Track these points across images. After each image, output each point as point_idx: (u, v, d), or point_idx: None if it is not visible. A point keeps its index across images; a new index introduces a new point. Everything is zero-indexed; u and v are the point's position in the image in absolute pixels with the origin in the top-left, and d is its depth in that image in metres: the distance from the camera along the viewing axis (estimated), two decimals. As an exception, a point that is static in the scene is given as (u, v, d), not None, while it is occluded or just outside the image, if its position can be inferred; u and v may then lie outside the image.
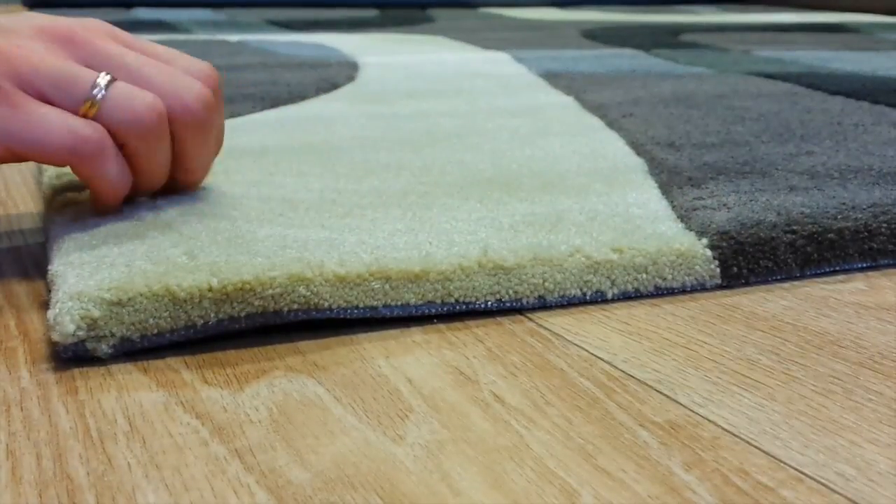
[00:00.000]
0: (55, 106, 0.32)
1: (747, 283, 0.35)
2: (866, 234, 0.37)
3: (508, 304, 0.32)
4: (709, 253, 0.34)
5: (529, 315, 0.32)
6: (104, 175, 0.33)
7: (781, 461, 0.22)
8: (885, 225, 0.37)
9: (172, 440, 0.23)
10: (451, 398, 0.26)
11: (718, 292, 0.34)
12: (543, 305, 0.32)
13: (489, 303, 0.31)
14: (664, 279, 0.33)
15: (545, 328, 0.31)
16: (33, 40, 0.34)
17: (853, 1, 1.82)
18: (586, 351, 0.29)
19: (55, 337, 0.27)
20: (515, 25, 1.44)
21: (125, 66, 0.34)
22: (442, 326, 0.31)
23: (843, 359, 0.28)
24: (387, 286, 0.30)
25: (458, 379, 0.27)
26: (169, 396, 0.26)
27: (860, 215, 0.37)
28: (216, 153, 0.38)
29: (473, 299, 0.31)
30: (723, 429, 0.24)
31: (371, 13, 1.68)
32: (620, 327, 0.31)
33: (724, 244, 0.35)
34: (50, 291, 0.30)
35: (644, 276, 0.33)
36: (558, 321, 0.31)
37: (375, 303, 0.30)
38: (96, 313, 0.27)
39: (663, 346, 0.29)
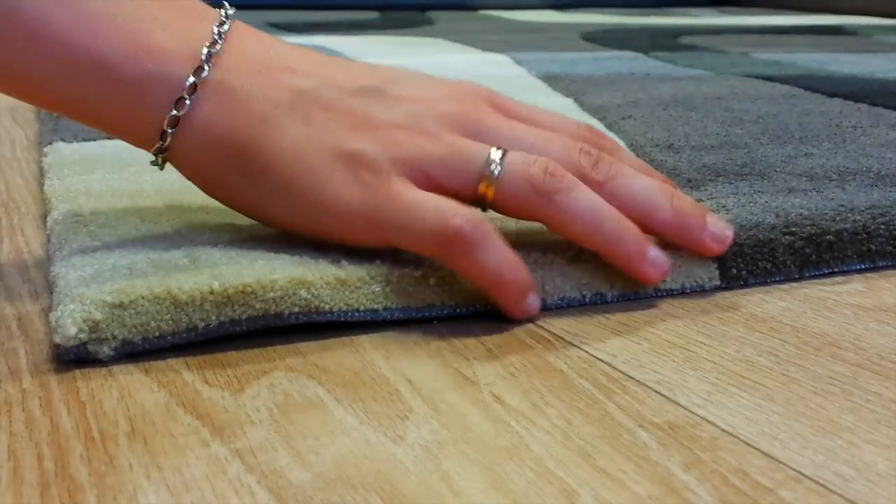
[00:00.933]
0: (448, 188, 0.30)
1: (746, 285, 0.35)
2: (865, 235, 0.37)
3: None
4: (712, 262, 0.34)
5: (528, 316, 0.32)
6: (481, 267, 0.30)
7: (780, 462, 0.22)
8: (883, 227, 0.37)
9: (173, 441, 0.23)
10: (451, 399, 0.26)
11: (717, 294, 0.34)
12: (544, 307, 0.32)
13: (490, 306, 0.31)
14: (663, 281, 0.34)
15: (545, 329, 0.31)
16: (421, 117, 0.31)
17: (851, 3, 1.82)
18: (586, 352, 0.29)
19: (57, 339, 0.27)
20: (515, 28, 1.44)
21: (516, 140, 0.32)
22: (442, 328, 0.31)
23: (842, 360, 0.28)
24: (388, 289, 0.30)
25: (458, 380, 0.27)
26: (170, 397, 0.26)
27: (858, 217, 0.37)
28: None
29: (474, 302, 0.31)
30: (722, 429, 0.24)
31: (371, 15, 1.68)
32: (620, 328, 0.31)
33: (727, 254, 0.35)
34: (52, 293, 0.30)
35: None
36: (558, 322, 0.31)
37: (376, 306, 0.30)
38: (98, 316, 0.27)
39: (662, 348, 0.29)
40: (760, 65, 0.90)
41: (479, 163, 0.31)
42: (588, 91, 0.71)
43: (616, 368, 0.28)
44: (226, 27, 0.31)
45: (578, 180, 0.31)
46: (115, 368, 0.27)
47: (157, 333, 0.28)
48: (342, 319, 0.30)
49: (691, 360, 0.28)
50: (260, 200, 0.31)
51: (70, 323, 0.27)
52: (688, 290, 0.34)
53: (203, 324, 0.28)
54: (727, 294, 0.34)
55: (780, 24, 1.53)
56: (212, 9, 0.32)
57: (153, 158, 0.32)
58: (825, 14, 1.81)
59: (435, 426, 0.24)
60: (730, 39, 1.20)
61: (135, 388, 0.26)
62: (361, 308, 0.30)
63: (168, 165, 0.32)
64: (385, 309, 0.30)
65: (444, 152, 0.31)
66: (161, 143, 0.31)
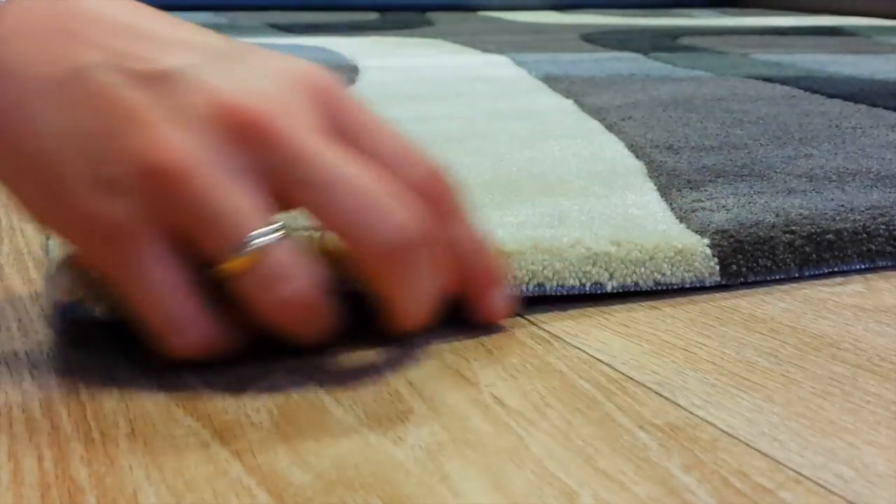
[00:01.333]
0: (198, 249, 0.25)
1: (746, 283, 0.35)
2: (864, 235, 0.37)
3: (508, 290, 0.32)
4: (708, 251, 0.34)
5: (529, 318, 0.32)
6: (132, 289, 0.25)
7: (780, 463, 0.22)
8: (882, 227, 0.37)
9: (174, 442, 0.23)
10: (451, 400, 0.26)
11: (717, 294, 0.34)
12: (543, 294, 0.32)
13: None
14: (663, 274, 0.33)
15: (545, 330, 0.31)
16: (207, 135, 0.25)
17: (851, 4, 1.82)
18: (586, 353, 0.29)
19: (54, 295, 0.27)
20: (515, 29, 1.44)
21: (314, 186, 0.25)
22: (442, 328, 0.31)
23: (842, 361, 0.28)
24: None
25: (458, 381, 0.27)
26: (170, 398, 0.26)
27: (858, 217, 0.37)
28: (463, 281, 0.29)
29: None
30: (722, 430, 0.24)
31: (371, 17, 1.68)
32: (620, 329, 0.31)
33: (724, 242, 0.35)
34: (48, 256, 0.30)
35: (642, 269, 0.33)
36: (558, 323, 0.31)
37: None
38: (93, 275, 0.27)
39: (662, 349, 0.29)
40: (760, 66, 0.90)
41: (238, 239, 0.24)
42: (588, 92, 0.71)
43: (616, 369, 0.28)
44: None
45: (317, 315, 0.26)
46: (115, 370, 0.27)
47: None
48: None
49: (691, 361, 0.28)
50: (17, 184, 0.26)
51: (65, 277, 0.27)
52: (688, 286, 0.34)
53: None
54: (727, 295, 0.34)
55: (780, 25, 1.53)
56: None
57: None
58: (825, 15, 1.81)
59: (435, 427, 0.24)
60: (730, 40, 1.20)
61: (135, 389, 0.26)
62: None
63: None
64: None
65: (205, 210, 0.24)
66: None
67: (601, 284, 0.33)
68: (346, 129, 0.27)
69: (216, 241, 0.25)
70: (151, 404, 0.25)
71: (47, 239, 0.36)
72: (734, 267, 0.35)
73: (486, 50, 1.05)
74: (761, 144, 0.52)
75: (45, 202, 0.26)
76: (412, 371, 0.28)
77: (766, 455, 0.23)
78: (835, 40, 1.23)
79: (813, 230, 0.36)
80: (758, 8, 2.05)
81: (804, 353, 0.29)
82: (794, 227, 0.36)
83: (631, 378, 0.27)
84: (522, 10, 1.91)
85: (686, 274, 0.34)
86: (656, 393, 0.26)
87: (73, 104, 0.25)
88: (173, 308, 0.25)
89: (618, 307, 0.33)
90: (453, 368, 0.28)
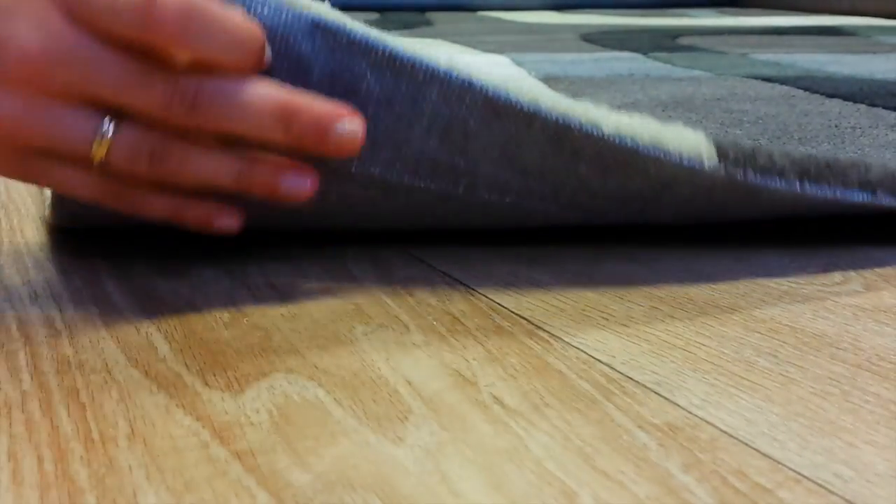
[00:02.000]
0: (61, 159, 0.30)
1: (746, 179, 0.34)
2: (863, 167, 0.36)
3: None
4: (706, 139, 0.33)
5: (528, 317, 0.32)
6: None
7: (779, 462, 0.23)
8: (880, 165, 0.36)
9: (173, 442, 0.23)
10: (450, 400, 0.26)
11: (717, 294, 0.34)
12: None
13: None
14: (663, 145, 0.33)
15: (544, 330, 0.31)
16: (39, 74, 0.29)
17: (851, 4, 1.83)
18: (585, 353, 0.29)
19: (54, 205, 0.28)
20: (514, 29, 1.45)
21: (109, 82, 0.29)
22: (441, 329, 0.31)
23: (841, 361, 0.28)
24: None
25: (457, 381, 0.27)
26: (170, 399, 0.26)
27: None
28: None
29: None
30: (721, 430, 0.24)
31: (371, 17, 1.68)
32: (619, 329, 0.31)
33: (724, 141, 0.34)
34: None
35: (642, 129, 0.33)
36: (557, 323, 0.31)
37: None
38: None
39: (662, 348, 0.29)
40: (760, 66, 0.90)
41: (88, 142, 0.29)
42: (587, 92, 0.72)
43: (615, 369, 0.28)
44: None
45: (182, 152, 0.30)
46: (115, 370, 0.27)
47: None
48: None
49: (690, 361, 0.28)
50: None
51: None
52: (686, 163, 0.33)
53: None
54: (726, 295, 0.34)
55: (780, 24, 1.53)
56: None
57: None
58: (824, 15, 1.82)
59: (434, 427, 0.24)
60: (729, 40, 1.20)
61: (134, 389, 0.26)
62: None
63: None
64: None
65: (46, 126, 0.29)
66: None
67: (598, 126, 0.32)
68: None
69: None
70: (151, 405, 0.25)
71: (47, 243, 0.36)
72: (731, 155, 0.33)
73: (485, 50, 1.05)
74: (761, 144, 0.52)
75: None
76: (411, 371, 0.28)
77: (765, 455, 0.23)
78: (834, 40, 1.23)
79: (812, 161, 0.35)
80: (757, 8, 2.05)
81: (803, 353, 0.29)
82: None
83: (630, 378, 0.27)
84: (522, 11, 1.91)
85: (683, 146, 0.33)
86: (655, 393, 0.26)
87: None
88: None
89: (617, 307, 0.33)
90: (452, 368, 0.28)
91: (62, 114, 0.29)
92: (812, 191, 0.34)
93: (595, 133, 0.32)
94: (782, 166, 0.34)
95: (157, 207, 0.32)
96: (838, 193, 0.35)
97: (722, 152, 0.34)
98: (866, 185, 0.36)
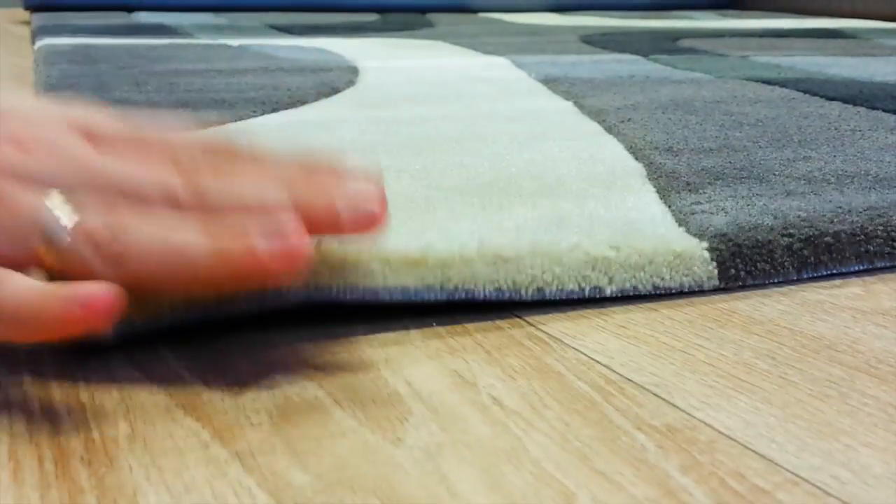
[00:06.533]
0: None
1: (744, 286, 0.35)
2: (862, 237, 0.37)
3: (507, 295, 0.32)
4: (706, 254, 0.34)
5: (528, 319, 0.32)
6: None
7: (777, 464, 0.23)
8: (880, 228, 0.37)
9: (173, 442, 0.23)
10: (449, 401, 0.26)
11: (716, 296, 0.34)
12: (542, 299, 0.32)
13: (488, 291, 0.31)
14: (662, 279, 0.34)
15: (543, 332, 0.31)
16: None
17: (851, 6, 1.83)
18: (584, 354, 0.29)
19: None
20: (515, 31, 1.45)
21: (99, 177, 0.26)
22: (441, 330, 0.31)
23: (840, 363, 0.28)
24: (386, 269, 0.30)
25: (456, 382, 0.27)
26: (170, 399, 0.26)
27: (856, 218, 0.37)
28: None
29: (472, 286, 0.31)
30: (719, 432, 0.24)
31: (371, 18, 1.68)
32: (618, 331, 0.31)
33: (722, 246, 0.35)
34: None
35: (642, 274, 0.33)
36: (556, 325, 0.31)
37: (375, 285, 0.30)
38: None
39: (661, 350, 0.29)
40: (760, 68, 0.90)
41: (35, 222, 0.24)
42: (588, 94, 0.72)
43: (614, 371, 0.28)
44: None
45: (137, 216, 0.25)
46: (116, 370, 0.28)
47: (156, 312, 0.28)
48: (341, 299, 0.30)
49: (689, 363, 0.28)
50: None
51: None
52: (686, 290, 0.34)
53: (202, 306, 0.28)
54: (725, 297, 0.34)
55: (780, 27, 1.53)
56: None
57: None
58: (825, 17, 1.82)
59: (433, 428, 0.24)
60: (729, 43, 1.20)
61: (135, 389, 0.26)
62: (360, 285, 0.30)
63: None
64: (384, 289, 0.30)
65: None
66: None
67: (600, 289, 0.33)
68: (98, 138, 0.27)
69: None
70: (151, 405, 0.25)
71: None
72: (732, 271, 0.35)
73: (486, 51, 1.05)
74: (760, 147, 0.52)
75: None
76: (411, 372, 0.28)
77: (763, 457, 0.23)
78: (834, 42, 1.23)
79: (811, 233, 0.36)
80: (757, 10, 2.05)
81: (802, 356, 0.29)
82: (792, 230, 0.36)
83: (629, 379, 0.27)
84: (522, 12, 1.91)
85: (685, 278, 0.34)
86: (654, 394, 0.26)
87: None
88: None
89: (616, 309, 0.33)
90: (452, 369, 0.28)
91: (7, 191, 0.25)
92: (809, 275, 0.36)
93: None
94: (781, 262, 0.35)
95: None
96: (834, 271, 0.36)
97: (722, 270, 0.34)
98: (863, 257, 0.37)
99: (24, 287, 0.24)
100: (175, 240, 0.25)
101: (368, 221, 0.26)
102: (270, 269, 0.24)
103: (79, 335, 0.24)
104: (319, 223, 0.26)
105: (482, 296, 0.31)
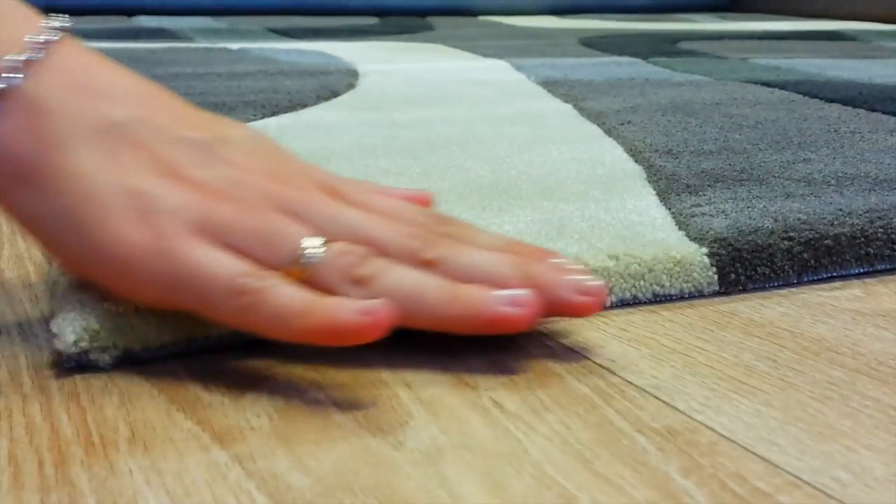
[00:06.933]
0: (258, 262, 0.27)
1: (745, 290, 0.35)
2: (863, 239, 0.37)
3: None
4: (706, 260, 0.34)
5: (528, 322, 0.32)
6: (269, 326, 0.26)
7: (778, 467, 0.23)
8: (881, 230, 0.37)
9: (174, 446, 0.23)
10: (450, 404, 0.26)
11: (716, 299, 0.34)
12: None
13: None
14: (662, 286, 0.34)
15: (543, 334, 0.31)
16: (239, 186, 0.28)
17: (850, 9, 1.83)
18: (585, 357, 0.29)
19: (58, 346, 0.27)
20: (514, 33, 1.45)
21: (343, 226, 0.29)
22: (441, 333, 0.31)
23: (840, 365, 0.28)
24: None
25: (457, 385, 0.27)
26: (170, 402, 0.26)
27: (856, 221, 0.37)
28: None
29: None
30: (720, 435, 0.24)
31: (371, 21, 1.69)
32: (619, 334, 0.31)
33: (722, 251, 0.35)
34: (52, 300, 0.30)
35: (642, 283, 0.33)
36: (557, 327, 0.31)
37: None
38: (98, 325, 0.27)
39: (661, 353, 0.29)
40: (759, 70, 0.90)
41: (292, 246, 0.27)
42: (587, 97, 0.72)
43: (615, 374, 0.28)
44: (54, 37, 0.29)
45: (392, 264, 0.28)
46: (116, 374, 0.27)
47: (157, 343, 0.28)
48: None
49: (690, 366, 0.28)
50: (45, 226, 0.28)
51: (70, 331, 0.27)
52: (687, 296, 0.34)
53: (204, 335, 0.28)
54: (726, 299, 0.34)
55: (779, 29, 1.53)
56: (38, 17, 0.29)
57: None
58: (824, 19, 1.82)
59: (434, 431, 0.24)
60: (729, 45, 1.21)
61: (135, 393, 0.26)
62: None
63: None
64: None
65: (256, 225, 0.27)
66: None
67: None
68: (345, 199, 0.30)
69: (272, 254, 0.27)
70: (151, 408, 0.25)
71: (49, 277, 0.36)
72: (733, 276, 0.35)
73: (485, 54, 1.05)
74: (760, 149, 0.52)
75: (82, 244, 0.27)
76: (411, 375, 0.28)
77: (764, 459, 0.23)
78: (834, 45, 1.23)
79: (811, 236, 0.36)
80: (757, 12, 2.05)
81: (802, 358, 0.29)
82: (792, 234, 0.36)
83: (630, 382, 0.27)
84: (522, 15, 1.91)
85: (685, 284, 0.34)
86: (655, 397, 0.26)
87: (112, 150, 0.28)
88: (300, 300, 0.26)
89: (616, 311, 0.33)
90: (452, 372, 0.28)
91: (276, 217, 0.28)
92: (809, 278, 0.36)
93: None
94: (782, 266, 0.35)
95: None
96: (834, 273, 0.36)
97: (722, 275, 0.34)
98: (864, 260, 0.37)
99: (317, 298, 0.26)
100: (422, 283, 0.28)
101: (594, 305, 0.29)
102: (504, 329, 0.28)
103: (351, 343, 0.26)
104: (552, 301, 0.28)
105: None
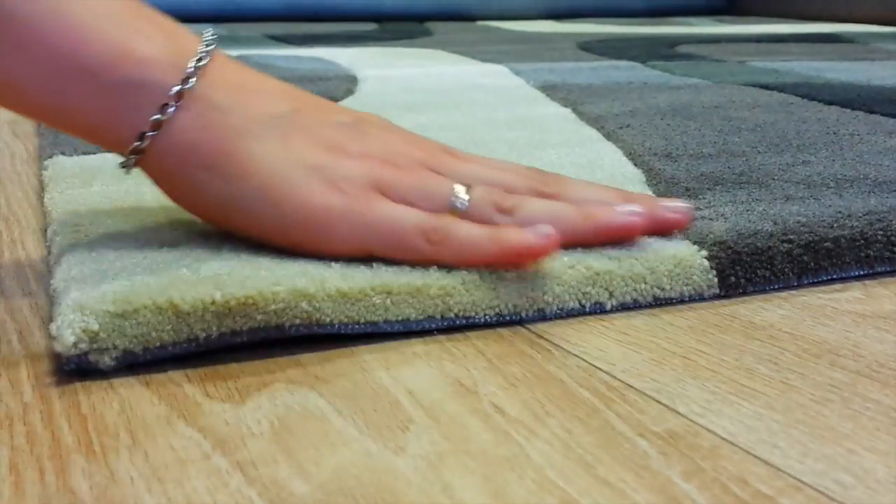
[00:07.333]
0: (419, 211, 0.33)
1: (745, 293, 0.35)
2: (862, 241, 0.37)
3: (508, 318, 0.32)
4: (706, 263, 0.34)
5: (529, 326, 0.32)
6: (470, 240, 0.32)
7: (780, 470, 0.23)
8: (880, 232, 0.37)
9: (174, 453, 0.23)
10: (451, 409, 0.26)
11: (716, 302, 0.34)
12: (542, 318, 0.32)
13: (488, 317, 0.32)
14: (662, 289, 0.34)
15: (544, 339, 0.31)
16: (389, 152, 0.34)
17: (848, 11, 1.83)
18: (585, 361, 0.29)
19: (58, 349, 0.27)
20: (513, 38, 1.45)
21: (474, 176, 0.35)
22: (442, 338, 0.31)
23: (841, 367, 0.28)
24: (388, 301, 0.30)
25: (458, 390, 0.27)
26: (171, 410, 0.26)
27: (856, 223, 0.37)
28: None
29: (473, 314, 0.31)
30: (722, 438, 0.24)
31: (370, 27, 1.69)
32: (619, 337, 0.31)
33: (722, 254, 0.35)
34: (52, 306, 0.30)
35: (643, 286, 0.33)
36: (557, 332, 0.31)
37: (376, 318, 0.30)
38: (96, 326, 0.27)
39: (662, 356, 0.29)
40: (758, 73, 0.90)
41: (447, 194, 0.33)
42: (586, 101, 0.72)
43: (616, 377, 0.28)
44: (211, 47, 0.33)
45: (525, 197, 0.34)
46: (116, 381, 0.27)
47: (157, 343, 0.28)
48: (342, 332, 0.30)
49: (691, 369, 0.28)
50: (232, 205, 0.32)
51: (69, 333, 0.27)
52: (687, 299, 0.34)
53: (204, 334, 0.29)
54: (726, 302, 0.34)
55: (778, 32, 1.54)
56: (193, 33, 0.34)
57: (122, 160, 0.33)
58: (822, 22, 1.82)
59: (435, 436, 0.24)
60: (727, 48, 1.21)
61: (136, 400, 0.26)
62: (361, 320, 0.30)
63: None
64: (385, 321, 0.31)
65: (416, 180, 0.33)
66: (139, 143, 0.32)
67: (601, 304, 0.33)
68: (465, 158, 0.37)
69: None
70: (152, 416, 0.25)
71: (48, 252, 0.36)
72: (733, 279, 0.35)
73: (484, 59, 1.05)
74: (759, 152, 0.52)
75: (278, 215, 0.32)
76: (412, 380, 0.28)
77: (766, 462, 0.23)
78: (832, 47, 1.23)
79: (811, 238, 0.36)
80: (754, 15, 2.06)
81: (803, 360, 0.29)
82: (791, 236, 0.36)
83: (631, 386, 0.27)
84: (520, 20, 1.91)
85: (685, 287, 0.34)
86: (656, 401, 0.26)
87: (284, 136, 0.33)
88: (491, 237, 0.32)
89: (617, 315, 0.33)
90: (453, 377, 0.28)
91: (428, 173, 0.34)
92: (809, 280, 0.36)
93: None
94: (781, 269, 0.35)
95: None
96: (834, 276, 0.36)
97: (722, 278, 0.35)
98: (863, 262, 0.37)
99: (494, 229, 0.32)
100: (554, 209, 0.34)
101: (685, 220, 0.36)
102: (631, 235, 0.35)
103: (532, 260, 0.32)
104: (653, 216, 0.35)
105: (482, 321, 0.31)
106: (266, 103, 0.33)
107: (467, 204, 0.33)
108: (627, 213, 0.34)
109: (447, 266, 0.32)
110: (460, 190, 0.33)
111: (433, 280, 0.31)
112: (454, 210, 0.33)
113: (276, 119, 0.33)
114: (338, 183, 0.32)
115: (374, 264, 0.32)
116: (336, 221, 0.32)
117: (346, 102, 0.72)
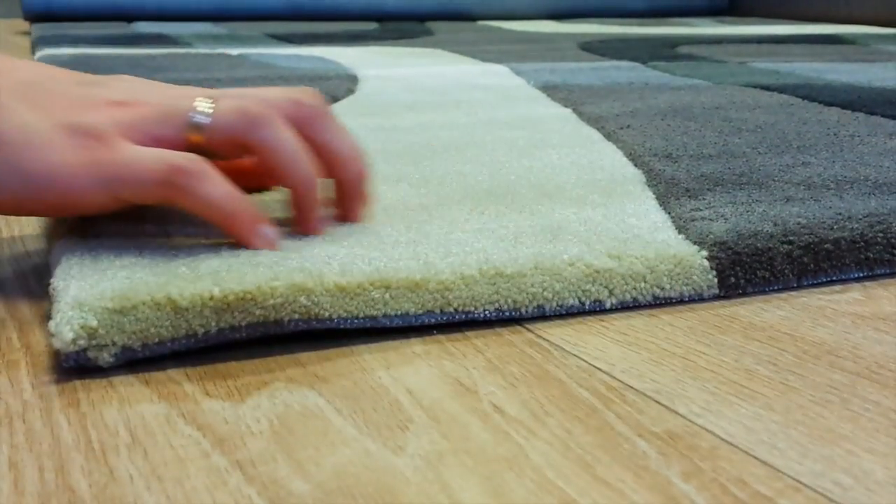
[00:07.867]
0: (164, 142, 0.33)
1: (744, 294, 0.35)
2: (862, 243, 0.37)
3: (507, 314, 0.32)
4: (706, 263, 0.34)
5: (528, 326, 0.32)
6: (208, 200, 0.32)
7: (779, 471, 0.23)
8: (880, 234, 0.37)
9: (174, 452, 0.23)
10: (450, 409, 0.26)
11: (716, 303, 0.34)
12: (542, 315, 0.32)
13: (488, 312, 0.32)
14: (662, 289, 0.34)
15: (544, 339, 0.31)
16: (137, 93, 0.34)
17: (849, 12, 1.83)
18: (585, 361, 0.29)
19: (56, 345, 0.27)
20: (514, 38, 1.45)
21: (226, 94, 0.35)
22: (441, 337, 0.31)
23: (841, 369, 0.28)
24: (387, 296, 0.31)
25: (457, 390, 0.27)
26: (170, 408, 0.26)
27: (856, 225, 0.38)
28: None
29: (472, 308, 0.31)
30: (721, 439, 0.24)
31: (370, 26, 1.69)
32: (619, 338, 0.31)
33: (722, 255, 0.35)
34: (52, 304, 0.30)
35: (642, 285, 0.33)
36: (557, 332, 0.31)
37: (375, 312, 0.30)
38: (95, 322, 0.27)
39: (661, 357, 0.29)
40: (758, 74, 0.90)
41: (186, 111, 0.33)
42: (587, 101, 0.72)
43: (615, 378, 0.28)
44: None
45: (287, 123, 0.34)
46: (116, 380, 0.27)
47: (156, 340, 0.28)
48: (341, 327, 0.30)
49: (690, 370, 0.28)
50: None
51: (67, 329, 0.27)
52: (686, 299, 0.34)
53: (203, 330, 0.29)
54: (725, 303, 0.34)
55: (778, 33, 1.54)
56: None
57: None
58: (823, 23, 1.82)
59: (435, 436, 0.24)
60: (728, 49, 1.21)
61: (135, 399, 0.26)
62: (360, 315, 0.30)
63: None
64: (384, 316, 0.31)
65: (154, 110, 0.33)
66: None
67: (601, 302, 0.33)
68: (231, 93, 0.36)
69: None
70: (152, 414, 0.25)
71: (47, 250, 0.36)
72: (732, 279, 0.35)
73: (485, 59, 1.05)
74: (759, 153, 0.52)
75: (22, 180, 0.31)
76: (412, 380, 0.28)
77: (765, 463, 0.23)
78: (832, 48, 1.23)
79: (811, 240, 0.36)
80: (756, 17, 2.06)
81: (803, 361, 0.29)
82: (791, 237, 0.36)
83: (630, 386, 0.27)
84: (521, 20, 1.91)
85: (685, 287, 0.34)
86: (655, 401, 0.26)
87: (33, 102, 0.33)
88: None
89: (616, 316, 0.33)
90: (453, 377, 0.28)
91: (170, 99, 0.35)
92: (809, 282, 0.36)
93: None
94: (781, 270, 0.35)
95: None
96: (834, 277, 0.36)
97: (722, 279, 0.35)
98: (863, 264, 0.37)
99: (227, 187, 0.32)
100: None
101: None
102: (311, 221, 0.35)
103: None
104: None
105: (482, 316, 0.32)
106: (13, 75, 0.34)
107: (210, 118, 0.33)
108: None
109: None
110: (202, 104, 0.33)
111: (432, 275, 0.31)
112: (198, 128, 0.33)
113: (23, 87, 0.33)
114: (82, 138, 0.32)
115: (372, 259, 0.32)
116: (81, 175, 0.31)
117: (347, 102, 0.73)
